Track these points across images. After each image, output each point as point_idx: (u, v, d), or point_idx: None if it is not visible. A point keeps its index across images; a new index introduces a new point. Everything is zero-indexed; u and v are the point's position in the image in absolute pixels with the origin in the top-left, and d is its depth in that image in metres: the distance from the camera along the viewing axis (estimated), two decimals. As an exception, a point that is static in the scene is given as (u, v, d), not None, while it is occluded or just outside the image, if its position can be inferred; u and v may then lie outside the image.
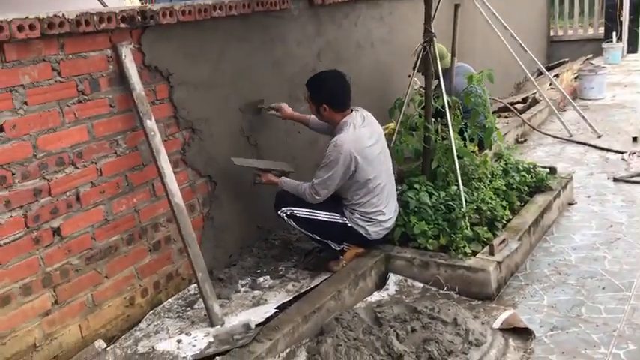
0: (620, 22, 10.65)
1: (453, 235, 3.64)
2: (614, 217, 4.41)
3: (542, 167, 4.70)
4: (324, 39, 4.62)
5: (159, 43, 3.30)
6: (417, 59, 4.31)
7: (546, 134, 6.70)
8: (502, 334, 3.04)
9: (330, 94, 3.56)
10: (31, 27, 2.62)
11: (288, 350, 2.95)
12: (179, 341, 2.97)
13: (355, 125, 3.51)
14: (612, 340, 2.98)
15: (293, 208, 3.59)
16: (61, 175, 2.88)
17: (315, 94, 3.61)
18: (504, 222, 3.95)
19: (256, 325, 3.03)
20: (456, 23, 4.65)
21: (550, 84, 7.58)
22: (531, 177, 4.52)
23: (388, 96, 5.07)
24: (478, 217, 3.84)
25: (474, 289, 3.46)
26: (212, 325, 3.11)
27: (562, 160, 5.76)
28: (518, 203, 4.25)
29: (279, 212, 3.63)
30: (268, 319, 3.09)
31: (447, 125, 4.13)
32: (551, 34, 11.07)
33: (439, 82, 4.26)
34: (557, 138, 6.53)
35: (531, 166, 4.66)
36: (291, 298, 3.36)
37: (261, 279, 3.63)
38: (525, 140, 6.62)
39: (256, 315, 3.17)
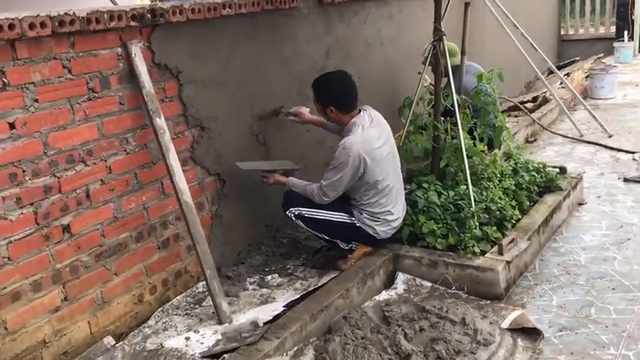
0: (632, 21, 10.56)
1: (461, 234, 3.63)
2: (625, 217, 4.38)
3: (552, 167, 4.68)
4: (333, 37, 4.61)
5: (168, 42, 3.31)
6: (428, 56, 4.29)
7: (556, 134, 6.66)
8: (510, 334, 3.03)
9: (336, 95, 3.55)
10: (42, 25, 2.64)
11: (295, 348, 2.95)
12: (187, 339, 2.98)
13: (364, 126, 3.50)
14: (622, 341, 2.96)
15: (301, 209, 3.59)
16: (71, 172, 2.89)
17: (320, 95, 3.60)
18: (513, 222, 3.93)
19: (264, 323, 3.03)
20: (466, 22, 4.64)
21: (561, 83, 7.53)
22: (541, 177, 4.49)
23: (397, 94, 5.05)
24: (487, 216, 3.83)
25: (482, 289, 3.44)
26: (220, 322, 3.12)
27: (572, 160, 5.73)
28: (528, 203, 4.24)
29: (287, 212, 3.62)
30: (276, 318, 3.09)
31: (456, 124, 4.12)
32: (562, 32, 11.01)
33: (448, 80, 4.24)
34: (568, 137, 6.49)
35: (541, 166, 4.64)
36: (299, 296, 3.36)
37: (270, 277, 3.64)
38: (535, 140, 6.59)
39: (264, 313, 3.17)
